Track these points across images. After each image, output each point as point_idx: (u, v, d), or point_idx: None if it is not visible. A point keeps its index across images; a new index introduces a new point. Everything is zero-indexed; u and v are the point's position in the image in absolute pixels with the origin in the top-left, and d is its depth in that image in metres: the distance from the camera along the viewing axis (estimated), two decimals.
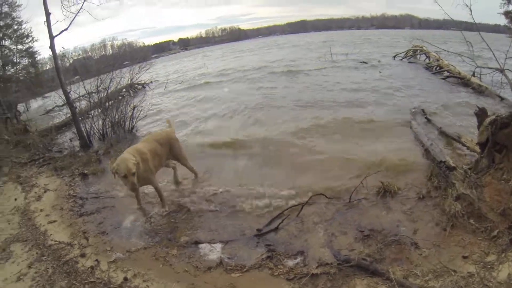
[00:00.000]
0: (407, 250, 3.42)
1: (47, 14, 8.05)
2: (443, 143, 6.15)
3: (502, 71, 5.97)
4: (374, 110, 8.56)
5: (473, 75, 10.95)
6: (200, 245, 3.94)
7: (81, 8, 8.44)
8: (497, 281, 2.89)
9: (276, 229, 4.06)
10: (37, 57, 19.54)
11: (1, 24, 17.31)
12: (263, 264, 3.54)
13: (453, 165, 4.62)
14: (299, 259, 3.54)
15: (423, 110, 8.11)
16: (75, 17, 8.44)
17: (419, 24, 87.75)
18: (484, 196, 3.91)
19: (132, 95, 14.89)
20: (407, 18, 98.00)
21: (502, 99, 8.73)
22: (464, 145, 5.85)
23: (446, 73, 12.89)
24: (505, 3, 10.65)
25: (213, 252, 3.81)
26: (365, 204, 4.36)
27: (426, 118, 7.57)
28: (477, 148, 4.74)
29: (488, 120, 4.31)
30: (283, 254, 3.63)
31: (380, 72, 14.59)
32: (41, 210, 5.54)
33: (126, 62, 13.01)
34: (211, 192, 5.27)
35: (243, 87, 14.37)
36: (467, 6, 6.07)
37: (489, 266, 3.07)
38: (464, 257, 3.23)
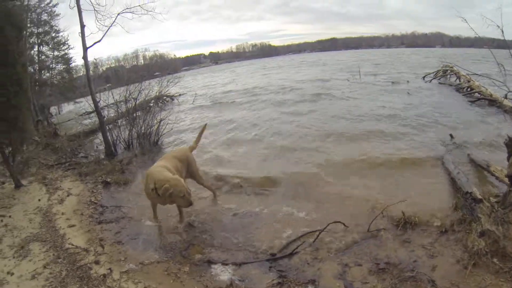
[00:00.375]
0: None
1: (82, 26, 8.42)
2: (472, 172, 5.91)
3: None
4: (402, 141, 8.14)
5: (506, 97, 10.53)
6: (213, 265, 3.92)
7: (114, 21, 8.77)
8: None
9: (290, 254, 3.97)
10: (71, 63, 20.45)
11: (40, 31, 18.23)
12: None
13: (479, 197, 4.40)
14: None
15: (450, 135, 7.86)
16: (107, 30, 8.81)
17: (450, 42, 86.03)
18: (511, 234, 3.70)
19: (160, 107, 15.13)
20: (438, 36, 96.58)
21: None
22: (493, 174, 5.55)
23: (477, 95, 12.42)
24: None
25: (224, 273, 3.77)
26: (384, 235, 4.19)
27: (454, 143, 7.31)
28: (507, 180, 4.51)
29: None
30: (294, 282, 3.54)
31: (408, 93, 14.22)
32: (62, 213, 5.70)
33: (157, 73, 13.28)
34: (231, 212, 5.26)
35: (269, 110, 13.89)
36: (498, 27, 5.81)
37: None
38: None
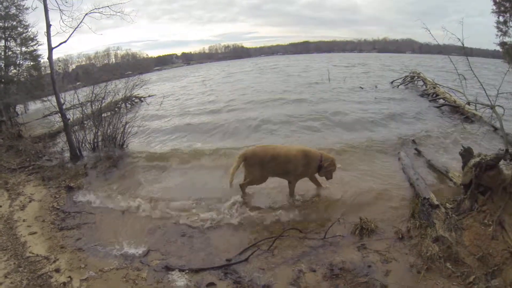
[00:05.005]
0: None
1: (48, 26, 8.15)
2: (433, 177, 6.02)
3: (492, 108, 5.87)
4: (363, 144, 8.11)
5: (468, 104, 10.82)
6: (170, 271, 3.91)
7: (80, 22, 8.51)
8: None
9: (245, 260, 4.00)
10: (40, 60, 19.61)
11: (8, 25, 17.43)
12: None
13: (436, 203, 4.52)
14: None
15: (413, 141, 8.02)
16: (74, 31, 8.54)
17: (420, 49, 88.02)
18: (464, 240, 3.86)
19: (128, 108, 14.45)
20: (409, 43, 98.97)
21: (495, 129, 8.61)
22: (451, 180, 5.71)
23: (441, 101, 12.77)
24: (501, 34, 10.53)
25: (181, 279, 3.78)
26: (340, 242, 4.26)
27: (416, 149, 7.45)
28: (462, 188, 4.64)
29: (472, 161, 4.25)
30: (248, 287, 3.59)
31: (375, 98, 14.43)
32: (23, 220, 5.58)
33: (128, 72, 12.92)
34: (194, 218, 5.21)
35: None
36: (459, 40, 6.04)
37: None
38: None
